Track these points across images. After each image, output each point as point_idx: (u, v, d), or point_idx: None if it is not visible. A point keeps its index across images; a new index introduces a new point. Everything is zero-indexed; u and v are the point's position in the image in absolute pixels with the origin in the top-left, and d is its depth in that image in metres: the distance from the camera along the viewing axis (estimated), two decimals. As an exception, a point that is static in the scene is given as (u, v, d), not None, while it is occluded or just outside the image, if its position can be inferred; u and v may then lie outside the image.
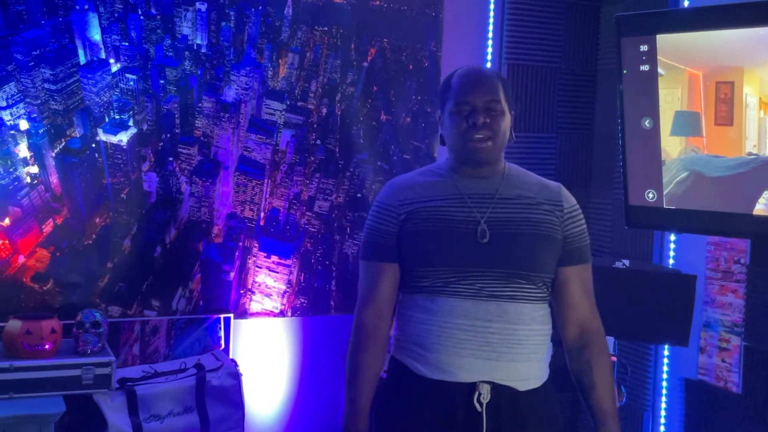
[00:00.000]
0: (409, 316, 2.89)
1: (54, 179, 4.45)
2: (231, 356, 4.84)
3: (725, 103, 4.12)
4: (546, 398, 2.89)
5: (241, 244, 4.96)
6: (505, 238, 2.80)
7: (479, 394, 2.74)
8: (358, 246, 5.20)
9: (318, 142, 5.14)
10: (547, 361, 2.91)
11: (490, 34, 5.49)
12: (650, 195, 4.38)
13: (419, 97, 5.40)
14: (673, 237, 5.00)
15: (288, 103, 5.04)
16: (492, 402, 2.75)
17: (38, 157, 4.41)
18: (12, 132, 4.34)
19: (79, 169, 4.50)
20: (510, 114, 2.90)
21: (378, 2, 5.23)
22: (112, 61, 4.57)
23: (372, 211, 3.00)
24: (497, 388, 2.76)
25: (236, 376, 4.65)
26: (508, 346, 2.76)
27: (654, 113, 4.33)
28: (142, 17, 4.61)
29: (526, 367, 2.81)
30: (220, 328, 4.88)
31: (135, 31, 4.61)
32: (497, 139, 2.84)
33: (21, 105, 4.35)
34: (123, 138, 4.60)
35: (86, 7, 4.46)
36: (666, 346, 5.00)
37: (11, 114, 4.33)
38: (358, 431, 2.91)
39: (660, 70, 4.28)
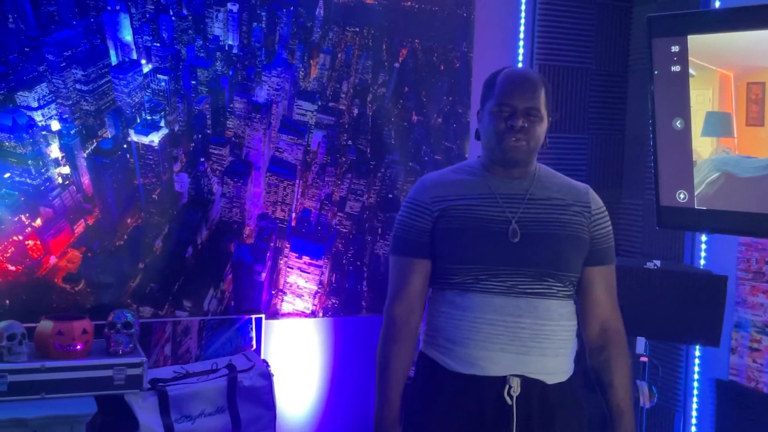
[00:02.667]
0: (439, 312, 2.90)
1: (85, 180, 4.39)
2: (262, 357, 4.78)
3: (756, 104, 4.07)
4: (572, 392, 2.89)
5: (272, 244, 4.89)
6: (536, 238, 2.82)
7: (509, 387, 2.75)
8: (389, 246, 5.09)
9: (349, 142, 5.07)
10: (572, 356, 2.92)
11: (522, 35, 5.42)
12: (681, 196, 4.34)
13: (450, 98, 5.32)
14: (704, 238, 4.96)
15: (319, 103, 4.97)
16: (521, 395, 2.76)
17: (70, 157, 4.35)
18: (44, 133, 4.28)
19: (111, 170, 4.45)
20: (548, 120, 2.91)
21: (409, 3, 5.15)
22: (143, 61, 4.50)
23: (404, 207, 3.02)
24: (527, 382, 2.77)
25: (268, 377, 4.58)
26: (537, 341, 2.77)
27: (685, 114, 4.29)
28: (173, 18, 4.55)
29: (554, 362, 2.82)
30: (252, 329, 4.81)
31: (166, 32, 4.54)
32: (532, 142, 2.84)
33: (52, 106, 4.29)
34: (154, 138, 4.54)
35: (118, 7, 4.39)
36: (697, 347, 4.96)
37: (43, 115, 4.27)
38: (389, 424, 2.92)
39: (691, 71, 4.24)
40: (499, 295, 2.77)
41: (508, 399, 2.74)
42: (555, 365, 2.82)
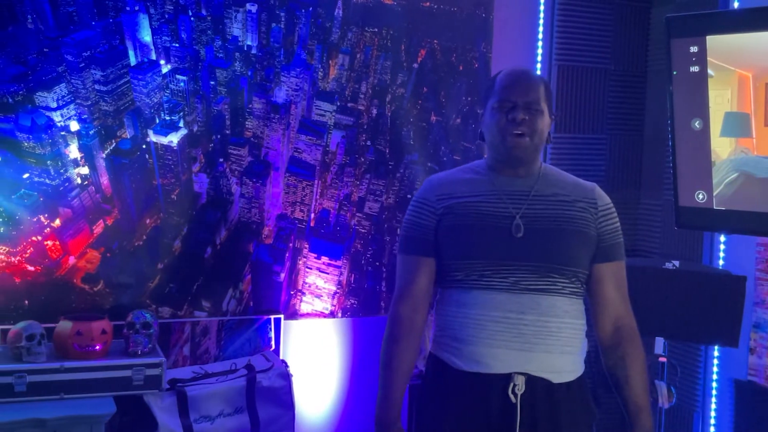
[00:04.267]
0: (446, 311, 2.89)
1: (104, 180, 4.36)
2: (281, 357, 4.74)
3: (775, 105, 4.03)
4: (581, 392, 2.86)
5: (291, 245, 4.84)
6: (540, 233, 2.80)
7: (514, 386, 2.73)
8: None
9: (368, 143, 5.02)
10: (581, 355, 2.89)
11: (540, 35, 5.37)
12: (700, 196, 4.30)
13: (469, 98, 5.27)
14: (722, 238, 4.92)
15: (338, 104, 4.92)
16: (526, 393, 2.74)
17: (89, 158, 4.32)
18: (63, 133, 4.25)
19: (130, 170, 4.41)
20: (550, 117, 2.91)
21: (428, 3, 5.10)
22: (162, 62, 4.46)
23: (411, 207, 3.01)
24: (532, 380, 2.75)
25: (286, 377, 4.54)
26: (541, 337, 2.75)
27: (704, 114, 4.25)
28: (192, 18, 4.50)
29: (560, 360, 2.79)
30: (271, 329, 4.78)
31: (185, 33, 4.49)
32: (535, 136, 2.83)
33: (71, 106, 4.26)
34: (173, 139, 4.50)
35: (136, 8, 4.35)
36: (716, 347, 4.92)
37: (62, 115, 4.24)
38: (389, 422, 2.92)
39: (710, 71, 4.20)
40: (502, 292, 2.75)
41: (512, 397, 2.72)
42: (561, 364, 2.78)
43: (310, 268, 4.93)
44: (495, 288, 2.76)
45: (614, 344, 2.91)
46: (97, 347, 3.96)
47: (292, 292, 4.88)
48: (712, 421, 4.92)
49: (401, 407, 2.93)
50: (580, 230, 2.82)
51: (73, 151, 4.27)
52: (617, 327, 2.91)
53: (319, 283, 4.95)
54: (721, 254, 4.91)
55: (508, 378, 2.73)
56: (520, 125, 2.78)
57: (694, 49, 4.20)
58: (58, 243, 4.27)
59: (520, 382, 2.71)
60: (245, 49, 4.65)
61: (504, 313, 2.73)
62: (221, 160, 4.63)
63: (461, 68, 5.24)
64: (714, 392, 4.93)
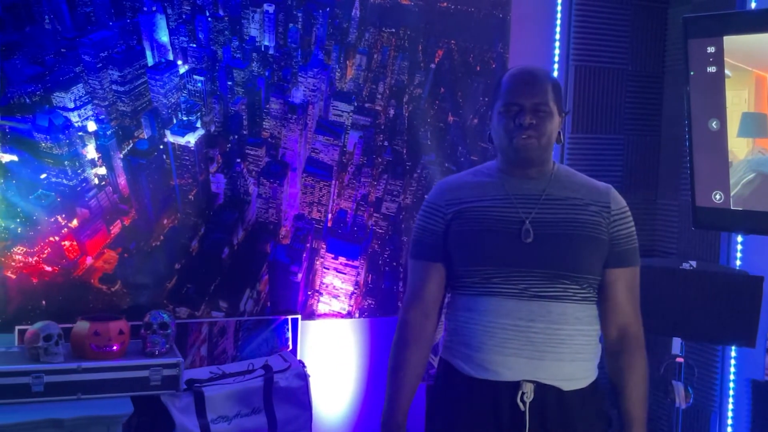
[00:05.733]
0: (455, 316, 2.85)
1: (122, 180, 4.32)
2: (298, 357, 4.72)
3: (792, 105, 3.99)
4: (594, 398, 2.81)
5: (308, 245, 4.80)
6: (550, 239, 2.73)
7: (522, 393, 2.69)
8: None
9: (385, 143, 4.97)
10: (595, 361, 2.84)
11: (557, 36, 5.31)
12: (717, 196, 4.27)
13: (486, 99, 5.20)
14: (740, 238, 4.86)
15: (355, 104, 4.87)
16: (536, 401, 2.69)
17: (106, 158, 4.28)
18: (80, 133, 4.22)
19: (147, 171, 4.37)
20: (560, 116, 2.84)
21: (445, 4, 5.04)
22: (179, 62, 4.41)
23: (421, 211, 2.96)
24: (541, 388, 2.70)
25: (304, 378, 4.50)
26: (551, 345, 2.70)
27: (721, 115, 4.22)
28: (209, 19, 4.46)
29: (571, 367, 2.73)
30: (288, 330, 4.74)
31: (203, 33, 4.45)
32: (543, 138, 2.76)
33: (89, 106, 4.22)
34: (191, 139, 4.46)
35: (154, 8, 4.31)
36: (733, 347, 4.87)
37: (79, 115, 4.20)
38: (394, 426, 2.89)
39: (727, 72, 4.17)
40: (512, 299, 2.70)
41: (521, 405, 2.68)
42: (572, 371, 2.73)
43: (328, 269, 4.88)
44: (504, 294, 2.71)
45: (616, 352, 2.85)
46: (115, 347, 3.93)
47: (309, 293, 4.84)
48: (729, 422, 4.88)
49: (407, 412, 2.89)
50: (591, 235, 2.75)
51: (91, 152, 4.24)
52: (622, 335, 2.84)
53: (336, 284, 4.90)
54: (738, 254, 4.85)
55: (516, 386, 2.69)
56: (528, 129, 2.72)
57: (711, 49, 4.17)
58: (75, 243, 4.24)
59: (528, 390, 2.67)
60: (262, 49, 4.60)
61: (513, 321, 2.69)
62: (238, 160, 4.58)
63: (478, 68, 5.18)
64: (731, 392, 4.89)
